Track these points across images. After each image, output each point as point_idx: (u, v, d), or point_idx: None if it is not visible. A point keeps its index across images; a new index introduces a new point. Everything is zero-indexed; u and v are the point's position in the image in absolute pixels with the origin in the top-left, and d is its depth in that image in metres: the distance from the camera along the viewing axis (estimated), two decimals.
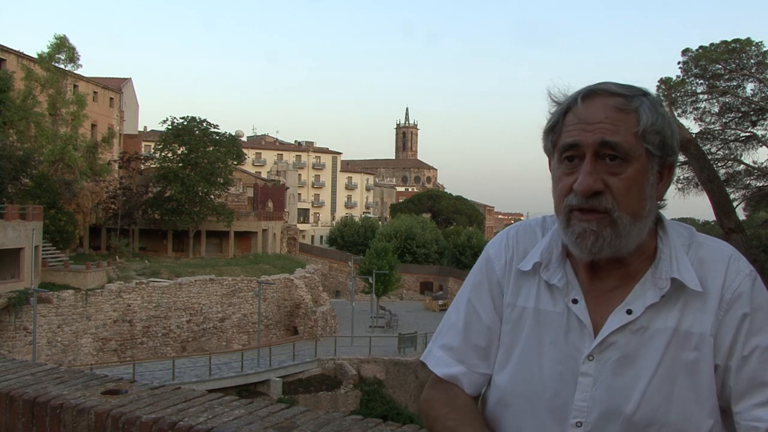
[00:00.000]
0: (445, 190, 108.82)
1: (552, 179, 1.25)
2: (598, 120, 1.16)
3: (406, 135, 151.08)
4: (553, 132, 1.23)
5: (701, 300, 1.18)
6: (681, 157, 14.64)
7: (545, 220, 1.36)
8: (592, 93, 1.19)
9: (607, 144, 1.15)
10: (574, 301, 1.23)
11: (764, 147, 19.19)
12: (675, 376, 1.16)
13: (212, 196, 46.57)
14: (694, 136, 16.54)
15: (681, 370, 1.16)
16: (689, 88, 19.10)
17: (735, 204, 17.45)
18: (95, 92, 48.84)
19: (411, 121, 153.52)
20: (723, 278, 1.18)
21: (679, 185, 19.57)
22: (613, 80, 1.23)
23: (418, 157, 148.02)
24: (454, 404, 1.28)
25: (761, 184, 19.84)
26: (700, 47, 18.62)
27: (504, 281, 1.33)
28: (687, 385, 1.15)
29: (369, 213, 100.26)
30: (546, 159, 1.29)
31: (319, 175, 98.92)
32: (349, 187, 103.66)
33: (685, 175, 19.18)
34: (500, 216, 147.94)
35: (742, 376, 1.15)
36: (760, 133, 19.29)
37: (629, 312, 1.19)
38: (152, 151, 50.16)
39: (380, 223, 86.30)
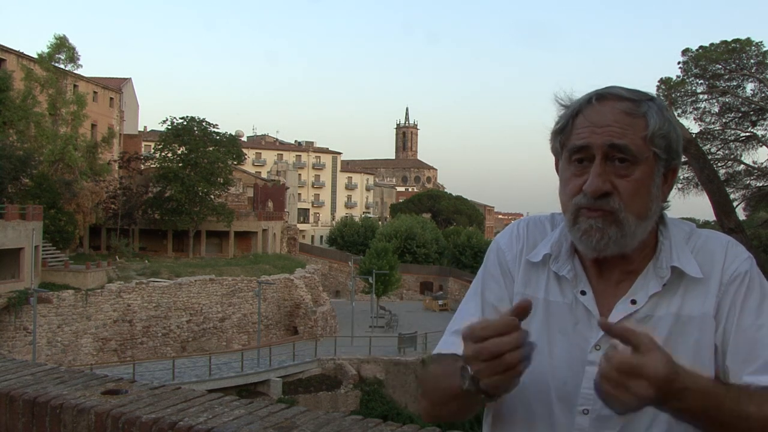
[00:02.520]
0: (445, 190, 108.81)
1: (560, 180, 1.29)
2: (607, 123, 1.20)
3: (406, 135, 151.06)
4: (562, 133, 1.27)
5: (703, 285, 1.23)
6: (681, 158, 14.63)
7: (554, 217, 1.40)
8: (602, 97, 1.23)
9: (615, 146, 1.19)
10: (582, 293, 1.27)
11: (764, 147, 19.20)
12: (677, 360, 1.19)
13: (212, 196, 46.55)
14: (694, 136, 16.54)
15: (683, 353, 1.19)
16: (689, 88, 19.10)
17: (735, 204, 17.45)
18: (95, 92, 48.83)
19: (411, 121, 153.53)
20: (722, 263, 1.24)
21: (679, 185, 19.56)
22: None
23: (418, 157, 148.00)
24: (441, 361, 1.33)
25: (761, 184, 19.84)
26: (700, 47, 18.61)
27: (514, 271, 1.37)
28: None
29: (369, 213, 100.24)
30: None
31: (319, 175, 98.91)
32: (349, 187, 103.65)
33: (685, 175, 19.16)
34: (500, 216, 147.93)
35: (737, 354, 1.20)
36: (760, 133, 19.30)
37: (633, 302, 1.23)
38: (152, 151, 50.16)
39: (380, 223, 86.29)
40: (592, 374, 1.19)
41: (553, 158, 1.32)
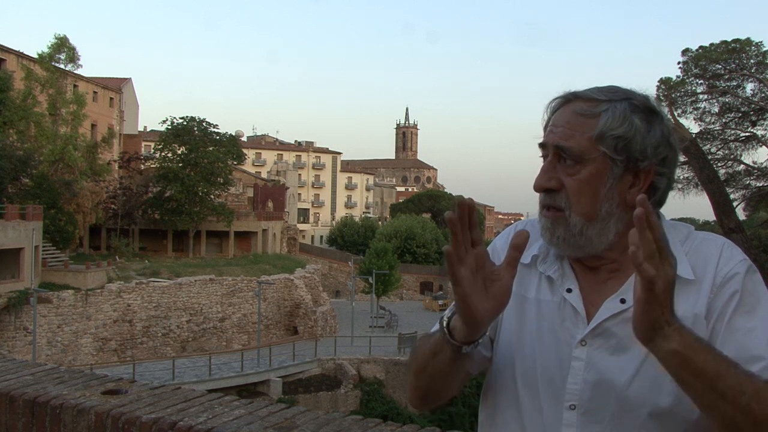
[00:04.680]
0: (445, 190, 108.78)
1: None
2: (561, 124, 1.25)
3: (406, 135, 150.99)
4: (545, 131, 1.32)
5: (695, 287, 1.21)
6: (681, 157, 14.64)
7: None
8: (567, 99, 1.28)
9: (559, 147, 1.24)
10: (569, 291, 1.29)
11: (764, 147, 19.19)
12: None
13: (212, 196, 46.56)
14: (694, 136, 16.54)
15: None
16: (689, 88, 19.09)
17: (735, 204, 17.44)
18: (95, 92, 48.84)
19: (411, 121, 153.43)
20: (716, 264, 1.22)
21: (679, 185, 19.55)
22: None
23: (418, 157, 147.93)
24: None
25: (761, 184, 19.83)
26: (700, 47, 18.60)
27: None
28: None
29: (369, 213, 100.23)
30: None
31: (319, 175, 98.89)
32: (349, 187, 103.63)
33: (685, 175, 19.16)
34: (500, 216, 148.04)
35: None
36: (760, 133, 19.27)
37: (623, 301, 1.23)
38: (152, 151, 50.17)
39: (380, 223, 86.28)
40: (578, 370, 1.23)
41: None
